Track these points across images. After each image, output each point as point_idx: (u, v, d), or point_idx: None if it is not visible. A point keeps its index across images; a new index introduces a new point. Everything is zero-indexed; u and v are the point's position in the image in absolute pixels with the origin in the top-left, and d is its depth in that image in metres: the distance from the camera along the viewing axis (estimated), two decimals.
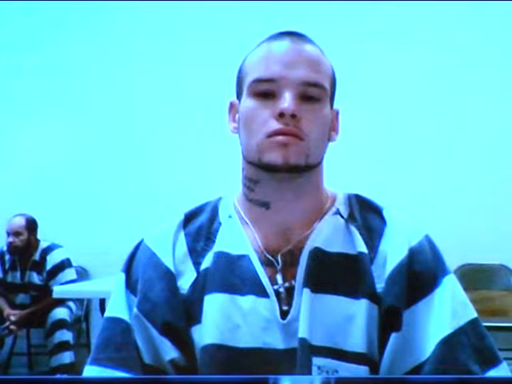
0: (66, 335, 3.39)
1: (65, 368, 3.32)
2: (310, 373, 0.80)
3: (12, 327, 3.47)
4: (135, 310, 0.87)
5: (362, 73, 3.60)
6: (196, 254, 0.90)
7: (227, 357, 0.83)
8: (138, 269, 0.91)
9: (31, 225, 3.58)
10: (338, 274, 0.85)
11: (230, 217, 0.93)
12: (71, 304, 3.55)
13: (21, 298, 3.62)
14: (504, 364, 0.82)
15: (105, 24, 4.08)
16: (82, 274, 3.85)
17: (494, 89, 3.63)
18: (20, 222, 3.55)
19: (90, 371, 0.86)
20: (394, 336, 0.82)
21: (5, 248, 3.63)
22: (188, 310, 0.87)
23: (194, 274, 0.88)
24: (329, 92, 0.88)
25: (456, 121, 3.65)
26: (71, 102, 4.08)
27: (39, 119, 4.12)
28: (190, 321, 0.86)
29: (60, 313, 3.42)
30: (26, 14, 4.15)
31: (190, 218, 0.94)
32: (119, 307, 0.89)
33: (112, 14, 4.07)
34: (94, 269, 3.90)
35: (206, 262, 0.89)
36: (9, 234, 3.52)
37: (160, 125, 3.94)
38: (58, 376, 3.17)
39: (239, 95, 0.91)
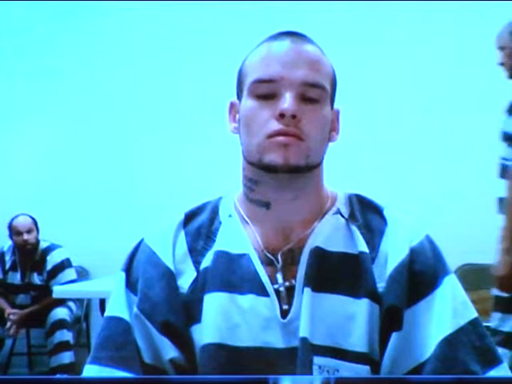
0: (66, 335, 3.39)
1: (65, 368, 3.31)
2: (310, 372, 0.80)
3: (12, 327, 3.46)
4: (135, 309, 0.87)
5: (362, 73, 3.60)
6: (196, 253, 0.90)
7: (227, 356, 0.83)
8: (139, 268, 0.91)
9: (36, 223, 3.59)
10: (339, 274, 0.85)
11: (230, 216, 0.93)
12: (71, 304, 3.54)
13: (21, 298, 3.62)
14: (504, 364, 0.82)
15: (104, 24, 4.07)
16: (82, 274, 3.85)
17: (496, 90, 3.62)
18: (28, 220, 3.55)
19: (89, 370, 0.86)
20: (394, 335, 0.82)
21: (5, 248, 3.63)
22: (188, 310, 0.86)
23: (194, 274, 0.88)
24: (329, 92, 0.88)
25: (456, 121, 3.65)
26: (71, 102, 4.07)
27: (39, 119, 4.11)
28: (189, 320, 0.86)
29: (60, 313, 3.42)
30: (25, 15, 4.15)
31: (190, 217, 0.94)
32: (119, 306, 0.89)
33: (112, 13, 4.06)
34: (94, 269, 3.89)
35: (206, 261, 0.89)
36: (21, 232, 3.50)
37: (160, 125, 3.94)
38: (58, 376, 3.17)
39: (239, 95, 0.91)
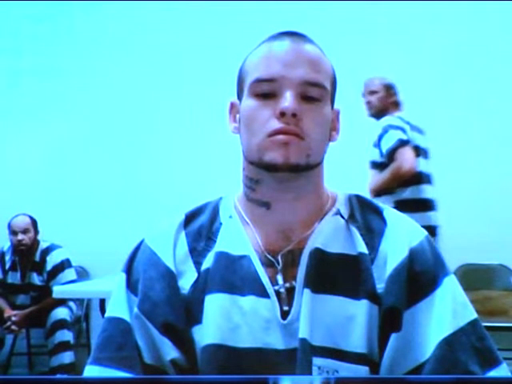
0: (66, 335, 3.38)
1: (65, 368, 3.31)
2: (310, 373, 0.80)
3: (13, 327, 3.46)
4: (136, 309, 0.87)
5: (362, 73, 3.60)
6: (197, 254, 0.90)
7: (227, 357, 0.83)
8: (139, 269, 0.91)
9: (35, 224, 3.59)
10: (339, 275, 0.85)
11: (230, 217, 0.93)
12: (71, 304, 3.54)
13: (21, 298, 3.61)
14: (504, 365, 0.82)
15: (104, 24, 4.08)
16: (82, 274, 3.85)
17: (496, 90, 3.62)
18: (26, 220, 3.55)
19: (90, 371, 0.85)
20: (394, 336, 0.82)
21: (5, 248, 3.63)
22: (189, 310, 0.86)
23: (195, 274, 0.88)
24: (329, 92, 0.88)
25: (455, 120, 3.65)
26: (71, 102, 4.08)
27: (39, 119, 4.12)
28: (190, 321, 0.86)
29: (60, 313, 3.41)
30: (24, 16, 4.15)
31: (190, 218, 0.94)
32: (120, 307, 0.89)
33: (112, 13, 4.07)
34: (94, 269, 3.89)
35: (207, 262, 0.89)
36: (16, 232, 3.50)
37: (160, 125, 3.94)
38: (58, 376, 3.17)
39: (240, 95, 0.91)
